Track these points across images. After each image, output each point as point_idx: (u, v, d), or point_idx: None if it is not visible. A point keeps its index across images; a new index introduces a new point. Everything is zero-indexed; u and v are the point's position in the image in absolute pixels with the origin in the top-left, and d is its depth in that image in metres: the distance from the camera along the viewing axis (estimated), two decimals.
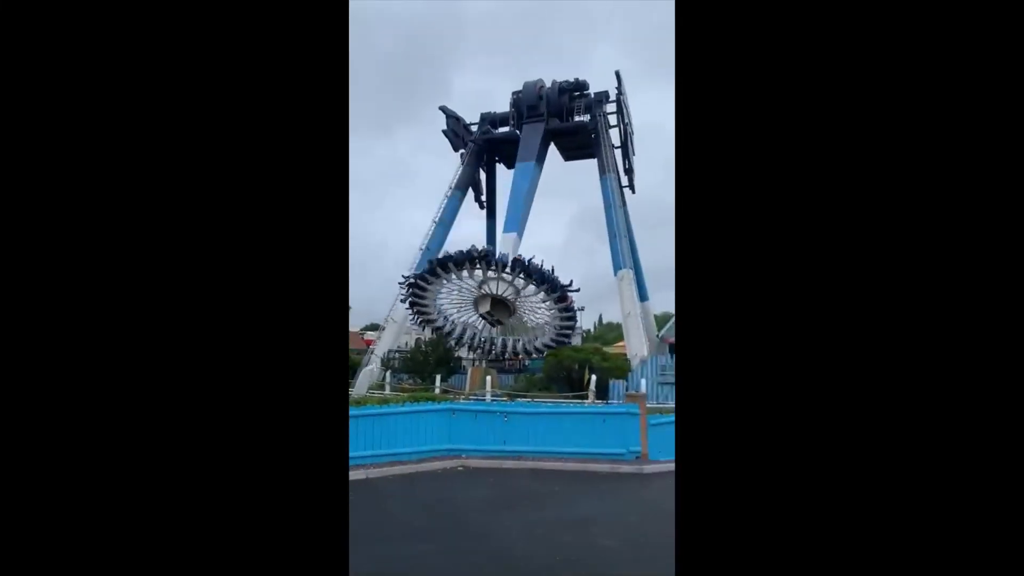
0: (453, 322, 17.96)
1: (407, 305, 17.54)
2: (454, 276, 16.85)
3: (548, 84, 25.37)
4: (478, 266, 16.41)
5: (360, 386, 16.69)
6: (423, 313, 17.70)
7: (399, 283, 21.02)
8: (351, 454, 8.33)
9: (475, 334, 17.98)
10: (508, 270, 16.11)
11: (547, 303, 17.02)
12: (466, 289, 17.34)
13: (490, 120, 26.80)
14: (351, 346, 30.75)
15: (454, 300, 18.12)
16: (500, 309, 17.41)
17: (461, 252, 16.62)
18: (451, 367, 18.92)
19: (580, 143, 25.48)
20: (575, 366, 17.76)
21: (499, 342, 17.87)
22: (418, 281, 17.01)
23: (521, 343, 17.45)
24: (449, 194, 24.29)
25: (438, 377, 16.10)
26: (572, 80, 25.31)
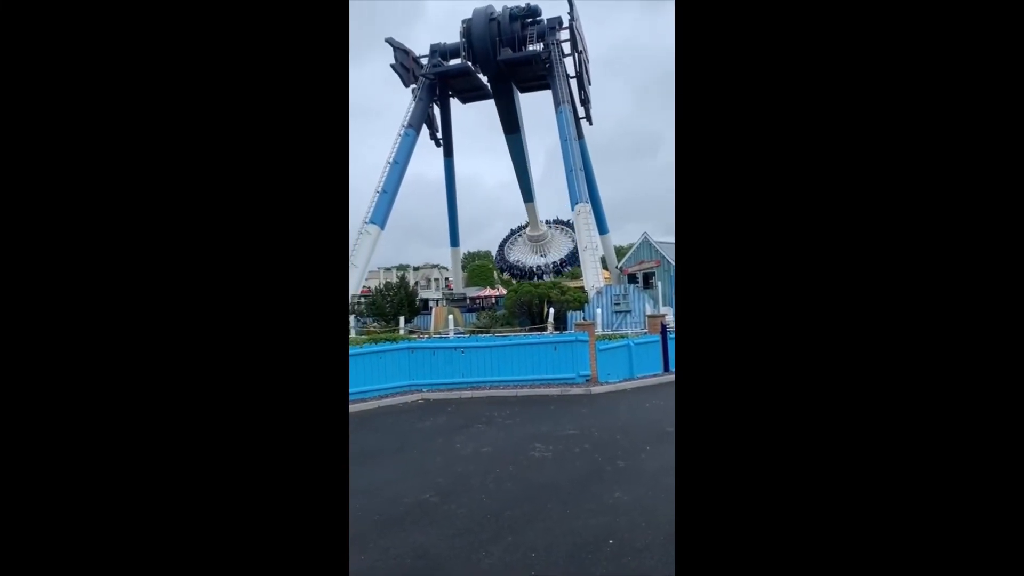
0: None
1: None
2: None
3: (499, 11, 24.19)
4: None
5: None
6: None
7: (360, 231, 20.85)
8: None
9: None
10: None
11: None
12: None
13: (441, 52, 25.60)
14: None
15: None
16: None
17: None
18: (415, 308, 19.25)
19: (535, 73, 24.74)
20: (535, 301, 18.36)
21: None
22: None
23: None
24: (402, 132, 23.56)
25: (402, 319, 16.46)
26: (524, 6, 24.17)
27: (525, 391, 9.85)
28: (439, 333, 15.31)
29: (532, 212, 30.23)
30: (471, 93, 26.99)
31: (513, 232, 32.01)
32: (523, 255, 30.77)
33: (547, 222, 31.62)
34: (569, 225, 26.73)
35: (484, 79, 25.35)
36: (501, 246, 31.89)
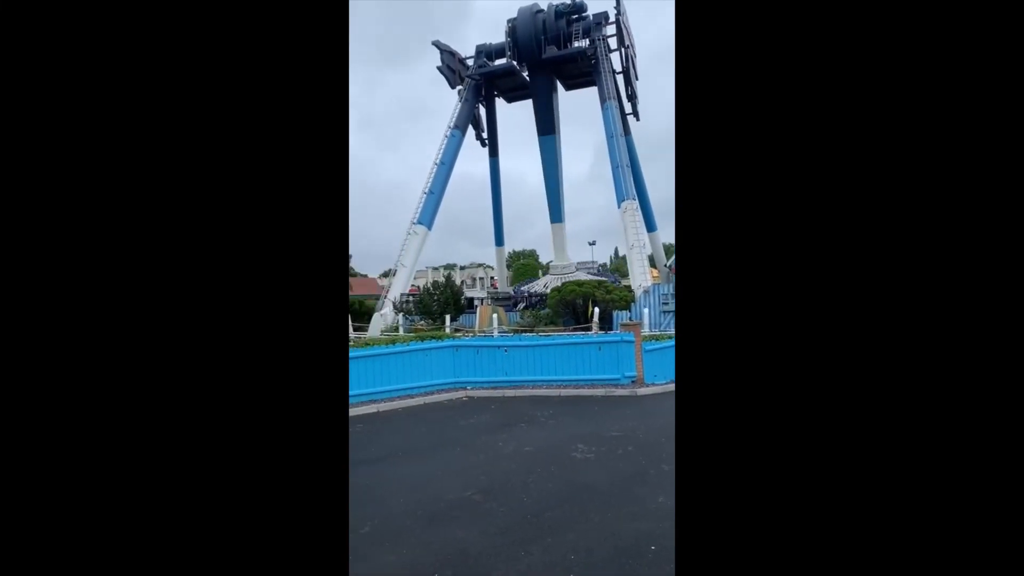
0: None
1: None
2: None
3: (544, 8, 24.10)
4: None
5: (373, 330, 17.48)
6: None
7: (408, 232, 21.37)
8: (361, 391, 9.05)
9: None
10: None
11: None
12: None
13: (486, 52, 25.79)
14: (369, 291, 31.56)
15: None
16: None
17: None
18: (460, 306, 19.52)
19: (580, 70, 24.50)
20: (579, 300, 18.19)
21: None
22: None
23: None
24: (448, 134, 23.92)
25: (447, 317, 16.72)
26: (569, 2, 23.97)
27: (569, 391, 9.78)
28: (484, 331, 15.45)
29: (560, 235, 26.07)
30: (516, 92, 27.04)
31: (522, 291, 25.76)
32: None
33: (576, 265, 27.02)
34: (597, 268, 22.31)
35: (528, 77, 25.30)
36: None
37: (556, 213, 26.16)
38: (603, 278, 21.31)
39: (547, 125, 25.14)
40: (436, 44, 25.86)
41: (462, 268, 48.97)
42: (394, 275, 22.88)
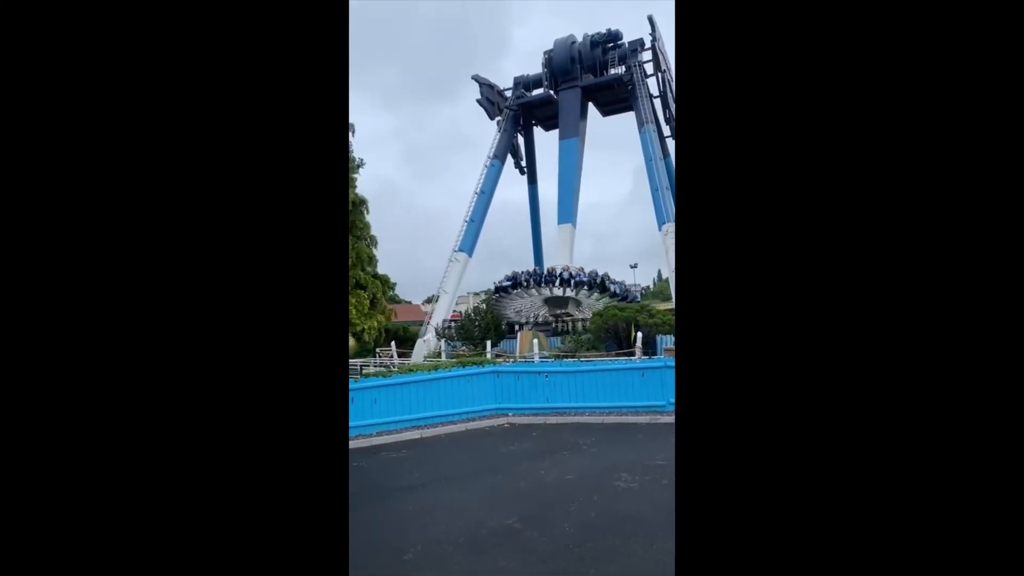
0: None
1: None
2: (520, 292, 20.20)
3: (579, 39, 24.64)
4: (533, 286, 19.85)
5: (416, 356, 17.82)
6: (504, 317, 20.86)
7: (449, 259, 21.87)
8: (404, 417, 9.23)
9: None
10: (558, 284, 19.52)
11: (602, 298, 19.64)
12: (533, 298, 20.73)
13: (523, 83, 26.49)
14: (413, 317, 32.26)
15: (526, 306, 21.27)
16: (564, 305, 20.63)
17: (514, 276, 20.17)
18: (501, 332, 19.64)
19: (617, 96, 24.74)
20: (621, 325, 17.96)
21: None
22: (499, 295, 20.42)
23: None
24: (488, 163, 24.53)
25: (488, 343, 16.86)
26: (604, 32, 24.42)
27: (611, 418, 9.62)
28: (524, 357, 15.47)
29: (566, 237, 22.34)
30: (554, 121, 27.51)
31: (516, 280, 19.91)
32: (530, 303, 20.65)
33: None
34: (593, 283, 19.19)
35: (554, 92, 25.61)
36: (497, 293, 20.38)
37: (566, 213, 22.50)
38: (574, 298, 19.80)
39: (570, 129, 23.16)
40: (475, 78, 26.78)
41: None
42: (437, 301, 23.36)
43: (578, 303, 20.47)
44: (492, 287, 21.05)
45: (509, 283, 20.18)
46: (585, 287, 19.58)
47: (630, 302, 19.26)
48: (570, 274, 19.78)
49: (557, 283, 19.33)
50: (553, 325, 20.35)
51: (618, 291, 19.92)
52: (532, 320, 20.72)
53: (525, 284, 19.97)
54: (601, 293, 19.64)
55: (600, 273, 19.95)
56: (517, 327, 20.13)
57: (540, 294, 20.08)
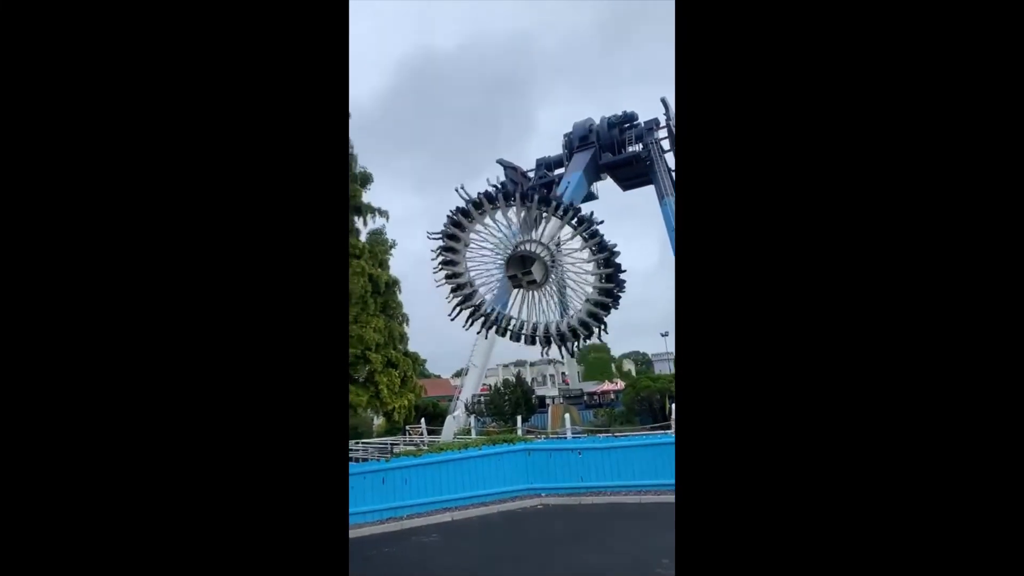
0: (481, 295, 15.41)
1: (438, 264, 15.09)
2: (491, 220, 14.89)
3: (597, 121, 26.14)
4: (525, 204, 14.22)
5: (446, 433, 17.59)
6: (455, 276, 15.25)
7: (478, 332, 22.05)
8: (434, 499, 9.03)
9: (499, 315, 15.24)
10: (560, 212, 14.10)
11: (590, 265, 14.39)
12: (499, 246, 15.17)
13: (545, 164, 27.91)
14: (442, 392, 32.10)
15: (485, 260, 15.63)
16: (527, 265, 14.90)
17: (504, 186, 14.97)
18: (531, 406, 19.34)
19: (636, 172, 25.73)
20: (655, 396, 17.49)
21: (529, 326, 15.17)
22: (454, 230, 14.78)
23: (555, 324, 14.98)
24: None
25: (519, 418, 16.58)
26: (620, 113, 25.89)
27: (650, 497, 9.17)
28: (556, 433, 15.08)
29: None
30: None
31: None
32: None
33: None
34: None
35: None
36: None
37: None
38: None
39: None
40: (500, 162, 28.35)
41: (532, 364, 48.84)
42: (466, 375, 23.31)
43: (545, 265, 14.47)
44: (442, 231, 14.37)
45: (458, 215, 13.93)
46: (583, 232, 13.78)
47: (614, 283, 13.74)
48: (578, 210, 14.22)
49: (535, 204, 13.70)
50: (515, 291, 13.98)
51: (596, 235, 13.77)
52: (489, 314, 14.93)
53: (491, 204, 13.94)
54: (594, 252, 13.81)
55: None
56: (548, 400, 19.74)
57: (514, 224, 14.69)
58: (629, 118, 25.64)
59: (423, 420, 19.66)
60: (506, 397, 19.50)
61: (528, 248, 14.19)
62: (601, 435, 13.01)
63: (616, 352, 45.01)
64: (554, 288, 15.51)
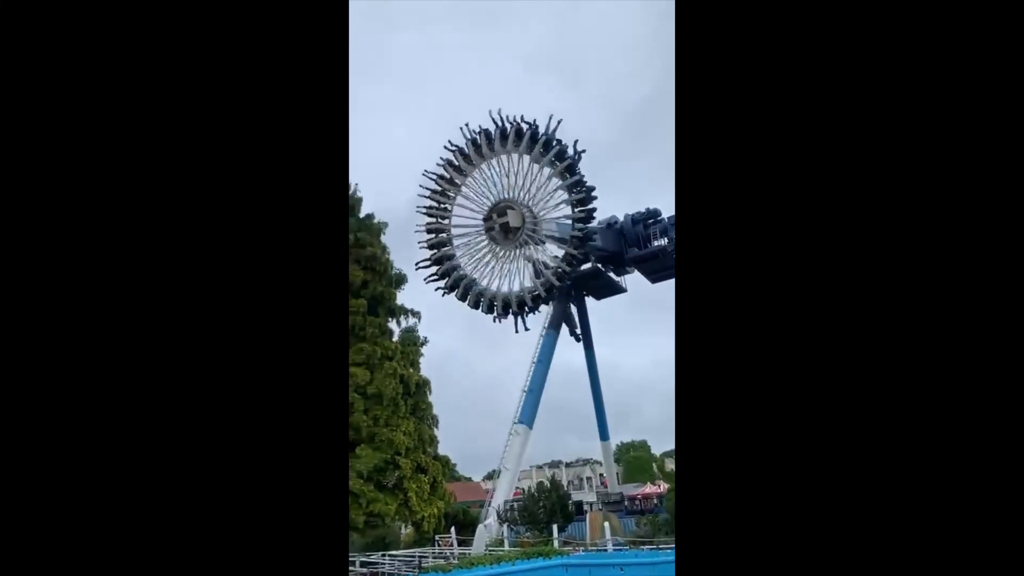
0: (458, 259, 17.47)
1: (424, 210, 17.20)
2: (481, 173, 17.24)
3: (621, 219, 27.11)
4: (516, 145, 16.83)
5: (477, 544, 16.44)
6: (437, 230, 17.18)
7: (509, 433, 21.43)
8: None
9: (463, 277, 17.19)
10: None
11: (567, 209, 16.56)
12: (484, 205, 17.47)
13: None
14: (473, 496, 30.50)
15: (469, 227, 18.09)
16: (510, 215, 17.63)
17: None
18: (568, 513, 18.10)
19: (663, 265, 26.06)
20: None
21: (490, 293, 17.10)
22: (450, 172, 17.30)
23: (517, 292, 16.74)
24: (543, 334, 25.35)
25: (555, 528, 15.47)
26: (644, 210, 26.83)
27: None
28: (595, 545, 13.91)
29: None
30: (604, 290, 28.92)
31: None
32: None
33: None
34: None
35: (614, 276, 27.28)
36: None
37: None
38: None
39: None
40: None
41: (568, 465, 46.47)
42: (498, 478, 22.25)
43: (522, 215, 17.11)
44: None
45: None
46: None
47: (583, 190, 16.01)
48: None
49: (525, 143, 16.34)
50: (491, 246, 16.60)
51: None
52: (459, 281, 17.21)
53: (488, 142, 17.20)
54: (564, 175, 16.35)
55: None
56: (586, 506, 18.45)
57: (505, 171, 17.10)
58: (653, 214, 26.48)
59: (453, 529, 18.53)
60: (541, 503, 18.35)
61: (508, 196, 16.92)
62: (645, 547, 11.93)
63: (657, 450, 42.47)
64: (530, 250, 17.41)
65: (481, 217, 18.01)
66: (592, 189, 16.53)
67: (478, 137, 18.47)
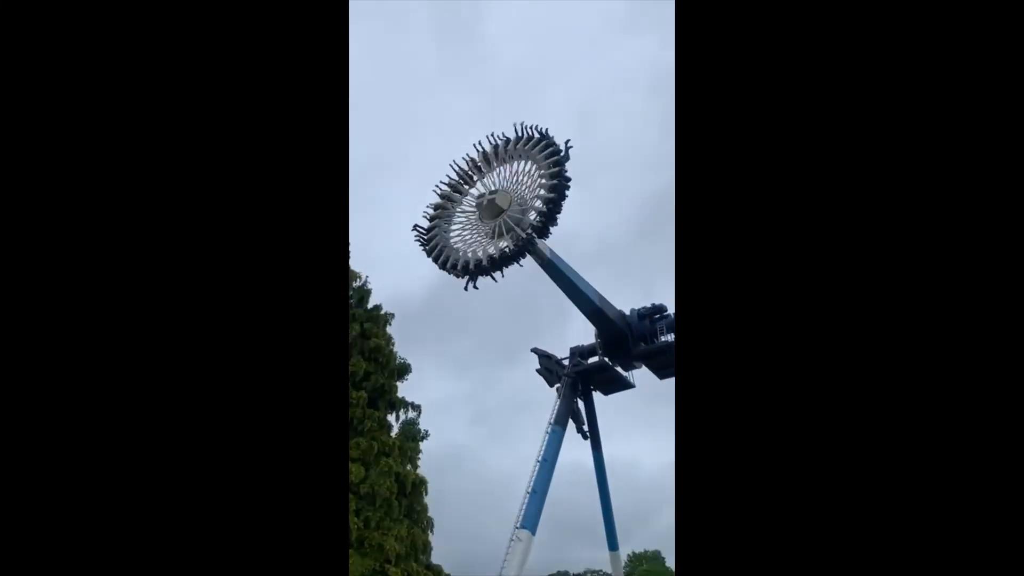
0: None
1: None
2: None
3: (628, 313, 27.10)
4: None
5: None
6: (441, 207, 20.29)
7: (511, 538, 19.94)
8: None
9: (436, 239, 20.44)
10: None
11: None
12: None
13: (579, 353, 28.29)
14: None
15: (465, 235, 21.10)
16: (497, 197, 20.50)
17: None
18: None
19: (671, 361, 25.61)
20: None
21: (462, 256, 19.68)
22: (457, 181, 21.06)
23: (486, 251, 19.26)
24: (549, 430, 24.44)
25: None
26: (650, 305, 26.89)
27: None
28: None
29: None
30: (612, 385, 28.22)
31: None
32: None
33: None
34: None
35: (622, 371, 26.79)
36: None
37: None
38: None
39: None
40: (534, 351, 29.04)
41: None
42: None
43: (510, 197, 19.79)
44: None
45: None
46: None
47: (557, 161, 19.23)
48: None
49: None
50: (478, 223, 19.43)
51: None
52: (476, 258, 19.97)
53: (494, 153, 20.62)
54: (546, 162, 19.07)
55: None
56: None
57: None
58: (658, 309, 26.52)
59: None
60: None
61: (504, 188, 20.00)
62: None
63: (671, 560, 39.06)
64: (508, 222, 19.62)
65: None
66: (569, 180, 19.90)
67: (499, 143, 22.16)
